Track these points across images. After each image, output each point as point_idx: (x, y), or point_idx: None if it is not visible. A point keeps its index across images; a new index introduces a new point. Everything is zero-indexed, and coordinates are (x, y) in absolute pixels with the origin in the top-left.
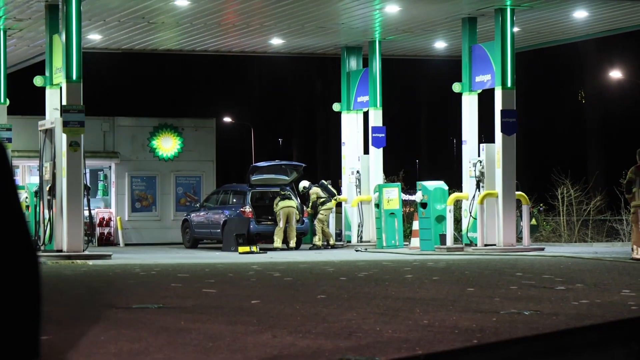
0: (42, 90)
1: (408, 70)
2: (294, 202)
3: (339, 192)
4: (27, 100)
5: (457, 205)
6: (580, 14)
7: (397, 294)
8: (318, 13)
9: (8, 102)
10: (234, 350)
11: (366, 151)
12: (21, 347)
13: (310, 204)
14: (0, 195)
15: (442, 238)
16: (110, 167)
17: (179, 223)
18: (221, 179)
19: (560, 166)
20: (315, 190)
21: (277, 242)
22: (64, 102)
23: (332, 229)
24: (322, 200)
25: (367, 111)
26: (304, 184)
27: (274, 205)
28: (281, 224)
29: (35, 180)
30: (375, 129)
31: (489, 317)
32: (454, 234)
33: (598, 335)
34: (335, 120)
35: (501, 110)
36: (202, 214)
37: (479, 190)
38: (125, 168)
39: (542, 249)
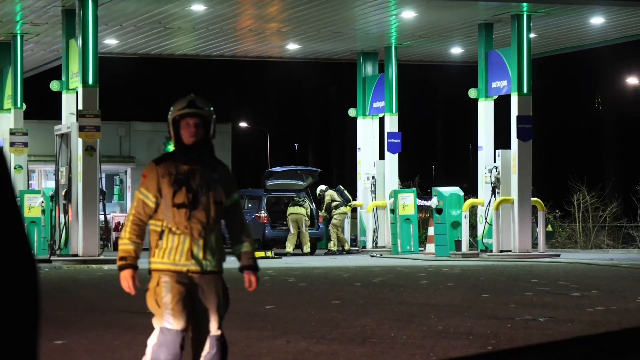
0: (58, 94)
1: (424, 75)
2: (303, 209)
3: (354, 198)
4: (43, 104)
5: (473, 211)
6: (597, 20)
7: (412, 300)
8: (334, 18)
9: (24, 106)
10: (248, 355)
11: (382, 157)
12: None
13: (324, 206)
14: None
15: (458, 244)
16: (126, 171)
17: None
18: (236, 184)
19: (576, 172)
20: (330, 193)
21: (289, 247)
22: (80, 107)
23: (347, 235)
24: (335, 204)
25: (383, 117)
26: (321, 187)
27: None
28: (292, 230)
29: (51, 184)
30: (390, 135)
31: (504, 323)
32: (470, 240)
33: (614, 343)
34: (350, 125)
35: (517, 116)
36: None
37: (495, 196)
38: (141, 173)
39: (558, 256)
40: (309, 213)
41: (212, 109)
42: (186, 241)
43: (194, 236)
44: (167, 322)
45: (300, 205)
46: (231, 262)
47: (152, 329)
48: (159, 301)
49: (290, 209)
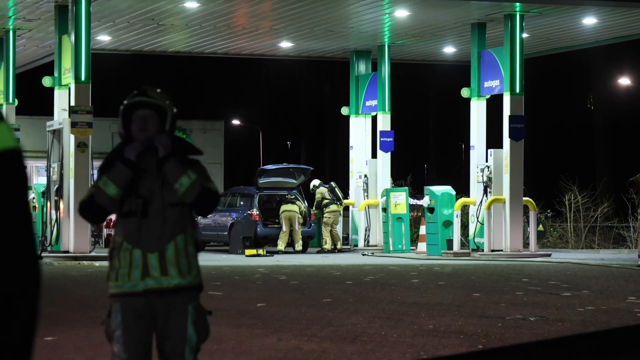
0: (50, 90)
1: (417, 74)
2: (296, 207)
3: (346, 196)
4: (35, 100)
5: (465, 210)
6: (590, 21)
7: (403, 299)
8: (327, 17)
9: (17, 102)
10: (239, 353)
11: (374, 155)
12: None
13: (315, 203)
14: (6, 202)
15: (449, 243)
16: None
17: None
18: (229, 182)
19: (567, 172)
20: (321, 191)
21: (281, 245)
22: (73, 103)
23: (339, 233)
24: (326, 202)
25: (376, 115)
26: (315, 182)
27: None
28: (284, 228)
29: (43, 180)
30: (383, 133)
31: (495, 322)
32: (461, 239)
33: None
34: (343, 124)
35: (509, 116)
36: (209, 216)
37: (487, 196)
38: None
39: (549, 255)
40: (302, 211)
41: (167, 102)
42: (139, 256)
43: (148, 249)
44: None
45: (294, 203)
46: (229, 261)
47: None
48: (110, 333)
49: (284, 207)
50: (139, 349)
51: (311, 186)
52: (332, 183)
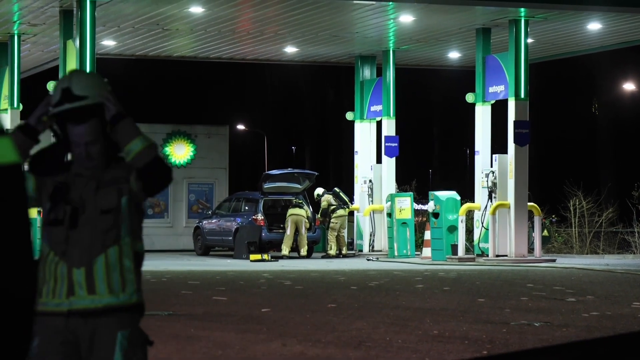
0: None
1: (422, 80)
2: (304, 211)
3: (352, 201)
4: None
5: (469, 215)
6: (594, 26)
7: (408, 304)
8: (332, 22)
9: (21, 107)
10: (243, 358)
11: (379, 160)
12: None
13: (321, 210)
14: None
15: (454, 248)
16: None
17: (190, 230)
18: (234, 187)
19: (572, 178)
20: (327, 198)
21: (285, 250)
22: None
23: (345, 238)
24: (332, 207)
25: (380, 120)
26: (318, 191)
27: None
28: (289, 232)
29: None
30: (388, 138)
31: (499, 328)
32: (466, 244)
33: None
34: (348, 129)
35: (514, 121)
36: (214, 221)
37: (491, 201)
38: None
39: (554, 261)
40: (308, 215)
41: (98, 90)
42: (65, 271)
43: (74, 263)
44: None
45: (301, 207)
46: (234, 266)
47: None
48: None
49: (291, 210)
50: None
51: (315, 195)
52: (335, 189)
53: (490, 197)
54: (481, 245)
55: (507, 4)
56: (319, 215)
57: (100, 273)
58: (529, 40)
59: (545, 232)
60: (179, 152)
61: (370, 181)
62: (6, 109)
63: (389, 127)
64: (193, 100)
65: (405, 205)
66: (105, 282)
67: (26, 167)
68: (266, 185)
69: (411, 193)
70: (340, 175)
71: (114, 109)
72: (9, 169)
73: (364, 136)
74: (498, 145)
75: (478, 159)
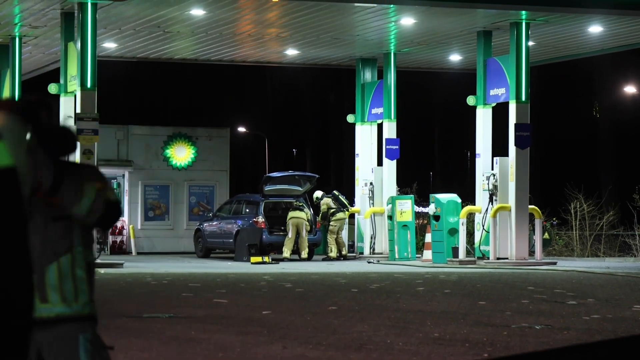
0: (56, 97)
1: (422, 82)
2: (304, 214)
3: (352, 204)
4: None
5: (470, 218)
6: (596, 29)
7: (409, 307)
8: (333, 24)
9: None
10: None
11: (380, 163)
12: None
13: (321, 214)
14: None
15: (455, 251)
16: (123, 175)
17: (191, 232)
18: (234, 189)
19: (573, 180)
20: (326, 201)
21: (286, 252)
22: (78, 110)
23: (344, 241)
24: (332, 210)
25: (382, 123)
26: (317, 194)
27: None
28: (290, 234)
29: None
30: (389, 141)
31: (500, 330)
32: (467, 247)
33: (609, 351)
34: (349, 131)
35: (515, 124)
36: (214, 223)
37: (492, 204)
38: (138, 177)
39: (555, 263)
40: (309, 218)
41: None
42: None
43: None
44: None
45: (302, 210)
46: (234, 269)
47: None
48: None
49: (292, 213)
50: None
51: (314, 198)
52: (334, 192)
53: (491, 200)
54: (482, 248)
55: (509, 6)
56: (319, 219)
57: (52, 282)
58: (530, 43)
59: (546, 235)
60: (180, 155)
61: (371, 184)
62: None
63: (390, 130)
64: (194, 103)
65: (406, 208)
66: (57, 291)
67: None
68: (267, 188)
69: (412, 195)
70: (341, 178)
71: (49, 175)
72: (4, 173)
73: (364, 139)
74: (499, 148)
75: (479, 162)
